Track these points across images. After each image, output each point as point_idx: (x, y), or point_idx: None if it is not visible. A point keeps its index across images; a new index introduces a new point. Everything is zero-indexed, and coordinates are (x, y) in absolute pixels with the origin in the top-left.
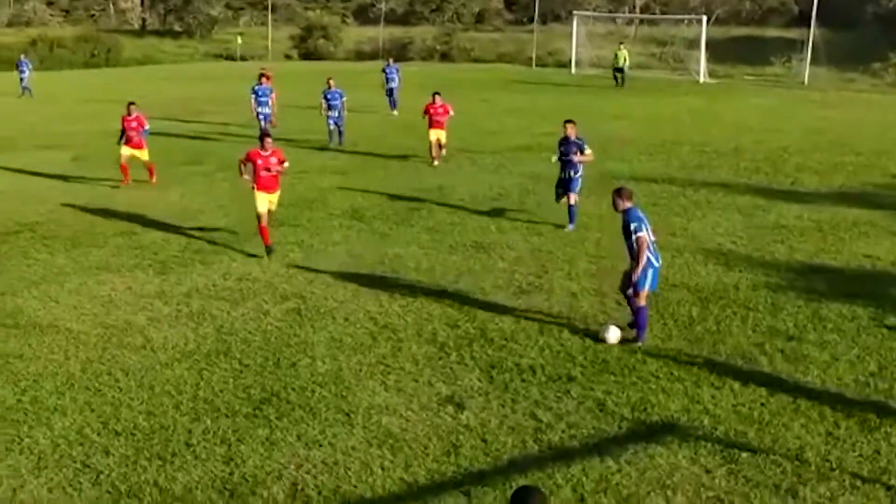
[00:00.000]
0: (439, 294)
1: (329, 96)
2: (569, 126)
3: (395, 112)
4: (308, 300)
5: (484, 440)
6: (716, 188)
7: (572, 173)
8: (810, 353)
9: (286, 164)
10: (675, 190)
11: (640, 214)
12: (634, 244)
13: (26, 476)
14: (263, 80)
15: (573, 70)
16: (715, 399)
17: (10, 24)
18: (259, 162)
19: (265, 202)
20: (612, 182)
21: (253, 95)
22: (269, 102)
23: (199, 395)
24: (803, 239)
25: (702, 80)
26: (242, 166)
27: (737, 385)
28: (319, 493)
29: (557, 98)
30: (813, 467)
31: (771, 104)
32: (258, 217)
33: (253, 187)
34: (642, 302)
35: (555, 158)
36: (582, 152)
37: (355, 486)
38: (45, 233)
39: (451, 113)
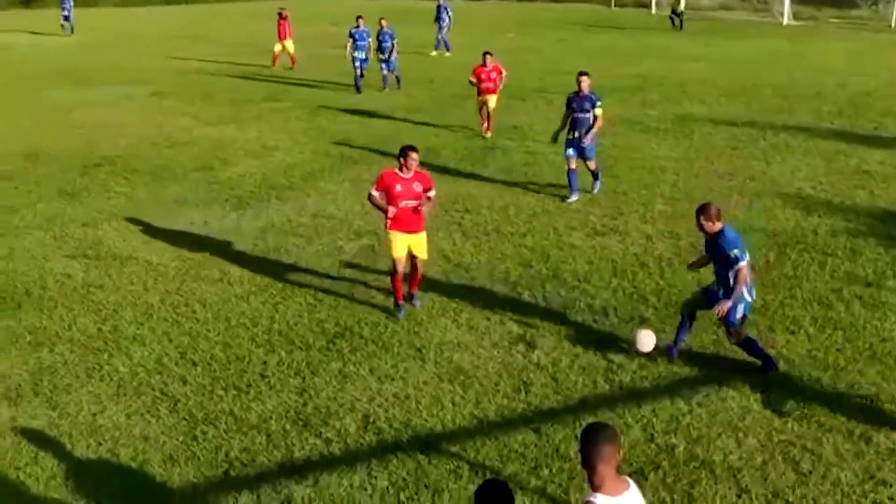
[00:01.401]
0: (512, 234)
1: (380, 38)
2: (583, 78)
3: (439, 52)
4: (382, 237)
5: (555, 379)
6: (796, 132)
7: (584, 133)
8: (889, 299)
9: (433, 193)
10: (755, 133)
11: (738, 235)
12: (732, 275)
13: (106, 402)
14: (360, 21)
15: (653, 10)
16: (789, 343)
17: None
18: (398, 188)
19: (403, 245)
20: (690, 124)
21: (350, 39)
22: (367, 47)
23: (273, 328)
24: (885, 185)
25: (785, 22)
26: (375, 196)
27: (812, 330)
28: (390, 425)
29: (636, 39)
30: (888, 414)
31: (856, 48)
32: (393, 265)
33: (386, 225)
34: (739, 334)
35: (561, 136)
36: (594, 107)
37: (426, 420)
38: (124, 166)
39: (504, 74)
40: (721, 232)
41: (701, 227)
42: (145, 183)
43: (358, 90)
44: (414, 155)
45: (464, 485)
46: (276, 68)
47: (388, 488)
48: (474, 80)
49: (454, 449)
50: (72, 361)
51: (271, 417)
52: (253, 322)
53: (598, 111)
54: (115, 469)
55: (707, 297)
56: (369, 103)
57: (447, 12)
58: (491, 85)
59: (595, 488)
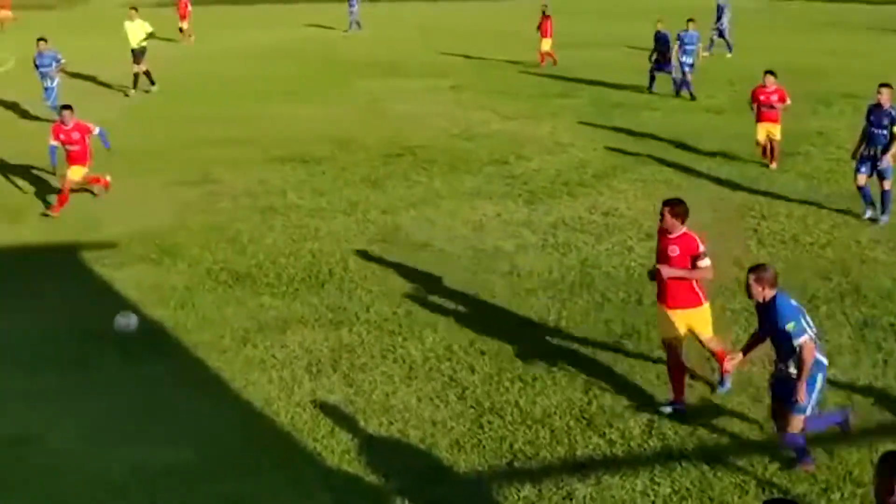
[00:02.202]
0: (811, 244)
1: (686, 39)
2: (882, 90)
3: (732, 54)
4: None
5: (850, 399)
6: None
7: (881, 151)
8: None
9: (704, 264)
10: None
11: (795, 304)
12: (799, 352)
13: (398, 383)
14: (690, 25)
15: None
16: None
17: None
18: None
19: (668, 324)
20: None
21: (677, 42)
22: (696, 52)
23: (560, 324)
24: None
25: None
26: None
27: None
28: (675, 432)
29: None
30: None
31: None
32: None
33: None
34: (797, 427)
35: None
36: (893, 124)
37: (712, 431)
38: (424, 157)
39: (788, 101)
40: (773, 300)
41: (749, 291)
42: (443, 174)
43: (678, 91)
44: (665, 211)
45: (749, 500)
46: (544, 67)
47: (670, 496)
48: (754, 104)
49: (741, 462)
50: (368, 342)
51: (555, 413)
52: (539, 317)
53: None
54: (405, 449)
55: (774, 388)
56: (667, 103)
57: (725, 11)
58: (771, 110)
59: None
